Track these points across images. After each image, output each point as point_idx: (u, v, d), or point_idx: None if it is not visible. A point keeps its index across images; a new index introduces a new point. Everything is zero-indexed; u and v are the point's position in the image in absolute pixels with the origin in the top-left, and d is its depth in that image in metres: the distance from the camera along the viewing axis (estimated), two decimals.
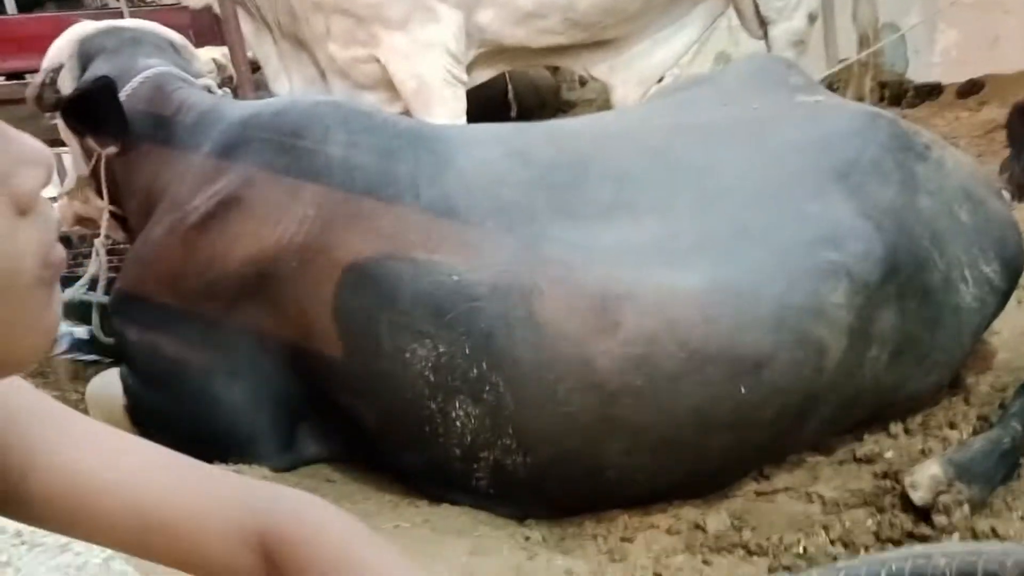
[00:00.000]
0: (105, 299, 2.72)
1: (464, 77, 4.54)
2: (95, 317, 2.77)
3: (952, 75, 5.92)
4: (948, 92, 5.86)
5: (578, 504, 2.10)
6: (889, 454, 2.15)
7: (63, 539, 1.63)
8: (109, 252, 2.92)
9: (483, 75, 4.84)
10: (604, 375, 1.91)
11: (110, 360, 2.81)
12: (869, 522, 1.95)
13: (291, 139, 2.24)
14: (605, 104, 5.55)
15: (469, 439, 2.02)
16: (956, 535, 1.86)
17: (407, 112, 4.35)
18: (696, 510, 2.06)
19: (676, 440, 1.95)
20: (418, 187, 2.14)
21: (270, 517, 0.79)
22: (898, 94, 6.01)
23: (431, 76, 4.42)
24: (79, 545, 1.66)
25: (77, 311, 2.95)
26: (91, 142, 2.60)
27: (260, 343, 2.24)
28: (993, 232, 2.30)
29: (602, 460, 1.98)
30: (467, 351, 1.98)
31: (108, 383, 2.47)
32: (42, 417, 0.81)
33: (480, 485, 2.08)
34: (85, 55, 2.69)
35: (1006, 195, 3.65)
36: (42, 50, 2.77)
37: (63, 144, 2.87)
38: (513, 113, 6.16)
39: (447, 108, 4.42)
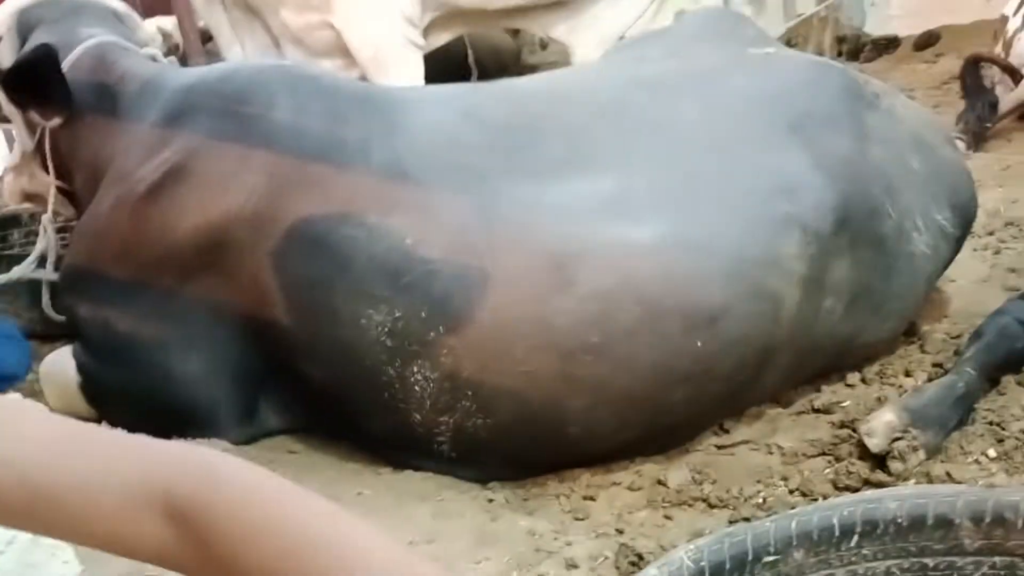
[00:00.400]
0: (55, 276, 2.67)
1: (421, 41, 4.48)
2: (45, 295, 2.72)
3: (909, 28, 5.92)
4: (905, 45, 5.86)
5: (541, 464, 2.10)
6: (846, 404, 2.17)
7: None
8: (60, 229, 2.86)
9: (440, 38, 4.77)
10: (561, 333, 1.91)
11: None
12: (827, 471, 1.96)
13: (237, 105, 2.20)
14: (567, 67, 5.50)
15: (429, 403, 2.01)
16: (912, 480, 1.88)
17: (364, 79, 4.29)
18: (657, 466, 2.07)
19: (635, 395, 1.95)
20: (369, 150, 2.11)
21: (177, 480, 0.75)
22: (856, 48, 6.00)
23: (387, 41, 4.35)
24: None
25: (27, 290, 2.90)
26: (34, 115, 2.55)
27: (215, 314, 2.22)
28: (945, 179, 2.32)
29: (563, 418, 1.98)
30: (423, 315, 1.96)
31: (61, 361, 2.44)
32: None
33: (442, 449, 2.08)
34: (24, 26, 2.63)
35: (961, 144, 3.67)
36: None
37: (7, 120, 2.81)
38: (473, 77, 6.09)
39: (404, 73, 4.35)
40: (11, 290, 2.97)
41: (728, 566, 1.31)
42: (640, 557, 1.77)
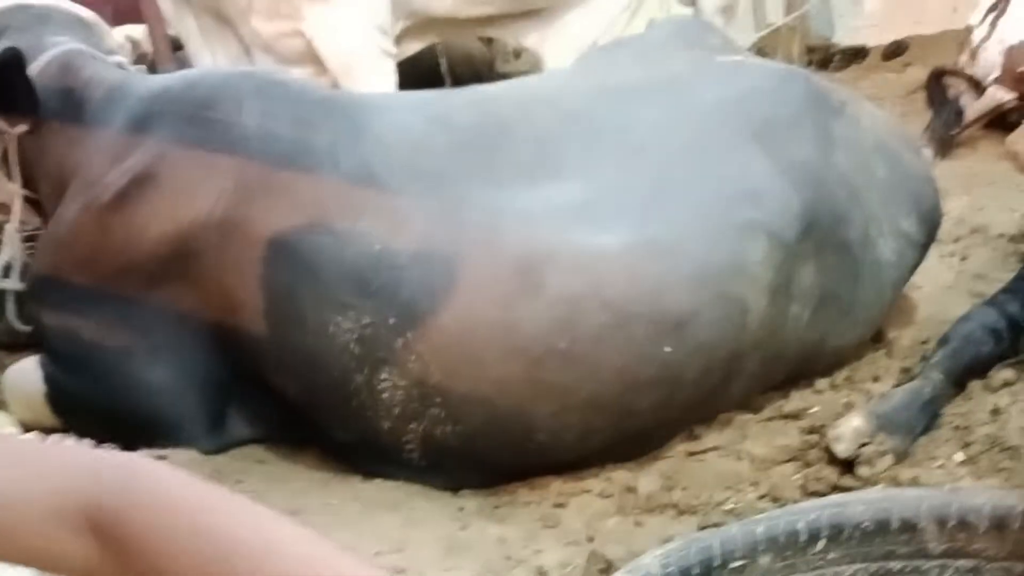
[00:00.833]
0: (21, 286, 2.64)
1: (392, 49, 4.47)
2: (10, 305, 2.69)
3: (877, 37, 5.98)
4: (874, 54, 5.91)
5: (510, 471, 2.10)
6: (815, 409, 2.18)
7: None
8: (27, 239, 2.82)
9: (412, 47, 4.77)
10: (529, 339, 1.91)
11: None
12: (796, 477, 1.98)
13: (204, 111, 2.18)
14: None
15: (398, 411, 2.00)
16: (880, 485, 1.89)
17: (335, 87, 4.28)
18: (628, 472, 2.08)
19: (603, 401, 1.96)
20: (337, 156, 2.10)
21: (98, 492, 0.72)
22: (825, 58, 6.05)
23: (358, 50, 4.34)
24: None
25: None
26: (0, 123, 2.52)
27: (182, 323, 2.20)
28: (909, 186, 2.34)
29: (531, 424, 1.98)
30: (391, 321, 1.96)
31: (26, 371, 2.41)
32: None
33: (412, 457, 2.07)
34: None
35: (928, 152, 3.71)
36: None
37: None
38: (446, 86, 6.09)
39: (376, 82, 4.34)
40: None
41: (695, 571, 1.31)
42: (610, 564, 1.77)
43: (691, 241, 1.96)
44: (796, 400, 2.24)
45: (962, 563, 1.32)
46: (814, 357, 2.24)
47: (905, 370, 2.28)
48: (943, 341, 2.20)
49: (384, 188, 2.04)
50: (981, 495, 1.32)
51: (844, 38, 6.18)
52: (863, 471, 1.91)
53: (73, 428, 2.29)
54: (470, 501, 2.07)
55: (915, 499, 1.34)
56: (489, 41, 7.13)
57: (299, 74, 4.34)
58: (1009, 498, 1.30)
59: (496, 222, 1.98)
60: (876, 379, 2.27)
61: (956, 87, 4.28)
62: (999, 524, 1.27)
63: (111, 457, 0.77)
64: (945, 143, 4.05)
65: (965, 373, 2.14)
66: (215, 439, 2.28)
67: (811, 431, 2.10)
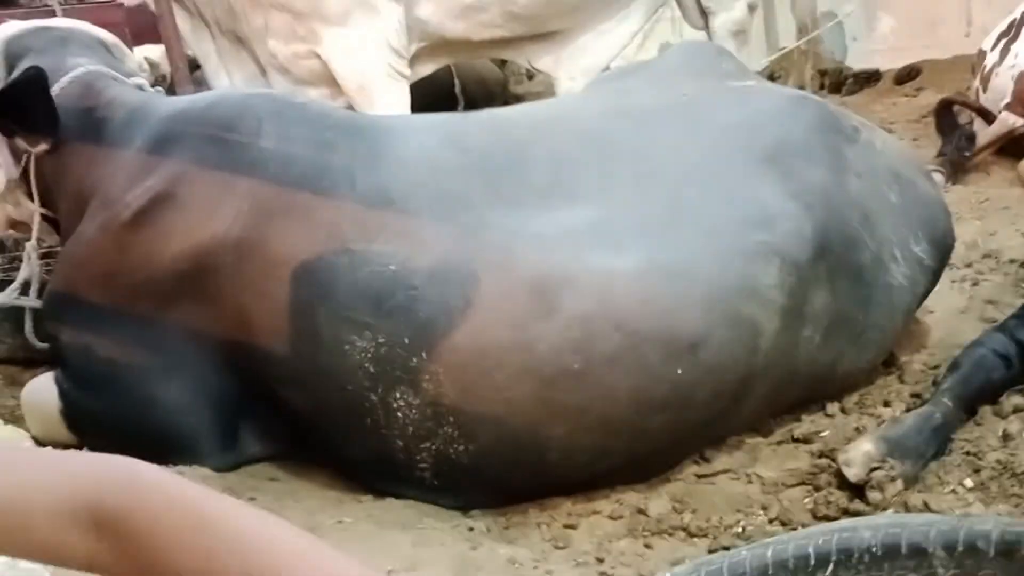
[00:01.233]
0: (38, 304, 2.67)
1: (407, 71, 4.52)
2: (28, 322, 2.72)
3: (890, 61, 6.01)
4: (887, 78, 5.94)
5: (522, 491, 2.11)
6: (826, 433, 2.18)
7: None
8: (44, 256, 2.86)
9: (426, 69, 4.81)
10: (542, 359, 1.92)
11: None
12: (806, 501, 1.98)
13: (223, 132, 2.21)
14: (552, 97, 5.56)
15: (411, 429, 2.02)
16: (890, 510, 1.89)
17: (350, 108, 4.32)
18: (638, 494, 2.08)
19: (615, 422, 1.97)
20: (354, 177, 2.13)
21: (103, 492, 0.79)
22: (838, 81, 6.09)
23: (373, 71, 4.39)
24: None
25: (10, 317, 2.89)
26: (21, 142, 2.55)
27: (198, 341, 2.21)
28: (922, 212, 2.35)
29: (543, 444, 1.99)
30: (406, 340, 1.97)
31: (42, 388, 2.43)
32: None
33: (424, 476, 2.08)
34: (12, 56, 2.63)
35: (940, 177, 3.72)
36: None
37: None
38: (460, 107, 6.14)
39: (390, 102, 4.39)
40: None
41: None
42: None
43: (704, 264, 1.98)
44: (807, 424, 2.25)
45: None
46: (825, 381, 2.25)
47: (916, 395, 2.28)
48: (954, 366, 2.21)
49: (400, 209, 2.06)
50: (989, 521, 1.32)
51: (857, 62, 6.21)
52: (873, 496, 1.91)
53: (88, 444, 2.31)
54: (481, 521, 2.08)
55: (925, 524, 1.34)
56: (503, 63, 7.19)
57: (315, 95, 4.39)
58: (1018, 524, 1.30)
59: (510, 244, 1.99)
60: (887, 403, 2.28)
61: (967, 112, 4.29)
62: (1008, 550, 1.27)
63: (114, 460, 0.83)
64: (957, 168, 4.06)
65: (976, 399, 2.14)
66: (228, 456, 2.29)
67: (821, 455, 2.11)
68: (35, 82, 2.39)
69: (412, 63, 4.61)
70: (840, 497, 1.95)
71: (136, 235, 2.22)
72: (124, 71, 2.70)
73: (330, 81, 4.45)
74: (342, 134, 2.23)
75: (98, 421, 2.33)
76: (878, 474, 1.92)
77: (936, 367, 2.37)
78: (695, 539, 1.94)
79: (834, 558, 1.33)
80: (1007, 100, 4.17)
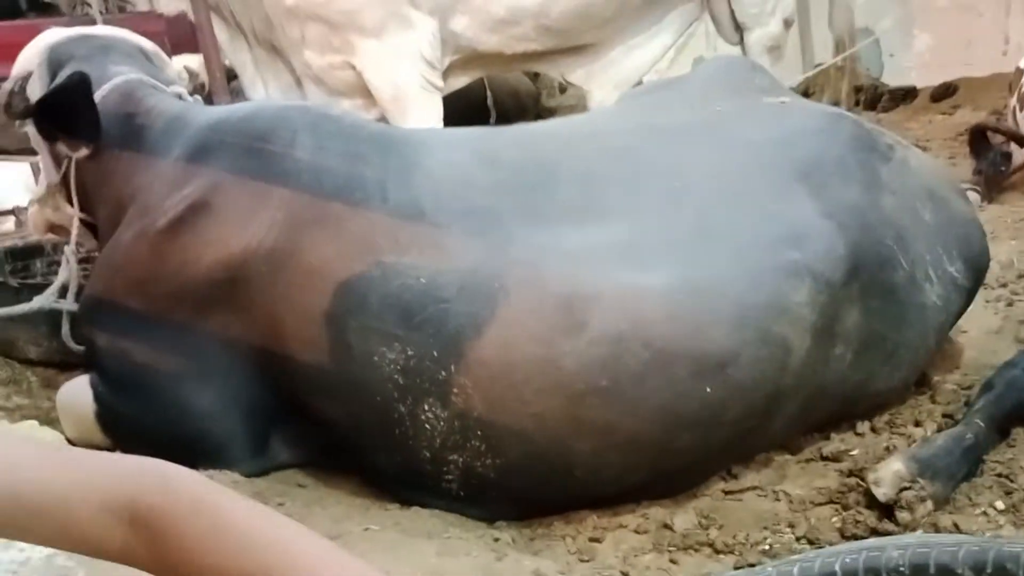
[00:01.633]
0: (75, 307, 2.71)
1: (440, 83, 4.56)
2: (65, 325, 2.76)
3: (926, 78, 5.98)
4: (923, 95, 5.91)
5: (548, 505, 2.11)
6: (855, 452, 2.17)
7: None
8: (81, 260, 2.91)
9: (459, 81, 4.86)
10: (571, 375, 1.92)
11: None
12: (834, 519, 1.96)
13: (259, 143, 2.24)
14: (584, 110, 5.58)
15: (439, 442, 2.02)
16: (920, 531, 1.88)
17: (383, 119, 4.36)
18: (664, 509, 2.08)
19: (642, 439, 1.96)
20: (386, 190, 2.15)
21: (139, 492, 0.85)
22: (873, 98, 6.06)
23: (407, 83, 4.44)
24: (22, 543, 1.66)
25: (48, 320, 2.94)
26: (62, 147, 2.60)
27: (230, 348, 2.24)
28: (957, 231, 2.33)
29: (570, 460, 1.99)
30: (435, 353, 1.98)
31: (78, 390, 2.47)
32: None
33: (450, 487, 2.09)
34: (55, 62, 2.68)
35: (975, 196, 3.69)
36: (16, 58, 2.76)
37: (35, 152, 2.86)
38: (492, 119, 6.17)
39: (423, 114, 4.43)
40: (31, 319, 3.01)
41: None
42: None
43: (734, 282, 1.97)
44: (836, 442, 2.23)
45: None
46: (856, 399, 2.23)
47: (948, 415, 2.26)
48: (987, 387, 2.18)
49: (431, 223, 2.07)
50: (1019, 543, 1.31)
51: (893, 79, 6.19)
52: (903, 516, 1.89)
53: (121, 447, 2.34)
54: (506, 532, 2.08)
55: (953, 545, 1.33)
56: (535, 76, 7.22)
57: (349, 105, 4.44)
58: None
59: (540, 260, 2.00)
60: (918, 423, 2.26)
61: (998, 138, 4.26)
62: None
63: (148, 462, 0.90)
64: (993, 187, 4.02)
65: (1008, 420, 2.12)
66: (258, 462, 2.32)
67: (850, 474, 2.09)
68: (79, 88, 2.43)
69: (445, 75, 4.65)
70: (869, 517, 1.93)
71: (172, 243, 2.25)
72: (163, 80, 2.74)
73: (364, 92, 4.50)
74: (375, 147, 2.25)
75: (132, 424, 2.36)
76: (908, 494, 1.90)
77: (969, 387, 2.35)
78: (721, 555, 1.93)
79: None
80: None
